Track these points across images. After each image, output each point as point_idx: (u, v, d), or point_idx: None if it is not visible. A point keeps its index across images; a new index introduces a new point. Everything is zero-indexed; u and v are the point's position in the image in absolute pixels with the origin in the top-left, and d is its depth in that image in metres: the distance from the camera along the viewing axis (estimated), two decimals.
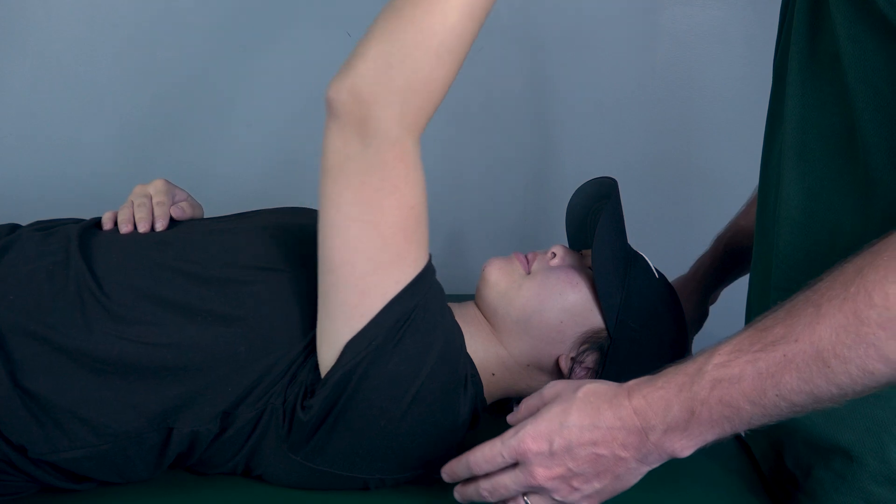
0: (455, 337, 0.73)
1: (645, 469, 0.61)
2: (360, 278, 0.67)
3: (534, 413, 0.64)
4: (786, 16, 0.74)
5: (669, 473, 0.81)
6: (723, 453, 0.86)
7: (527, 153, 1.56)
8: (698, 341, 1.04)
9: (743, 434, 0.89)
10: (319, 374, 0.70)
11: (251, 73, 1.44)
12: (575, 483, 0.61)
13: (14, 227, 0.80)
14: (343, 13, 1.44)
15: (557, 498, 0.62)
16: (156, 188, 0.85)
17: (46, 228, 0.79)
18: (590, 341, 0.80)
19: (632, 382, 0.61)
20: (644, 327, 0.81)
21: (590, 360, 0.80)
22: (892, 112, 0.58)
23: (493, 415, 0.89)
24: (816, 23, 0.65)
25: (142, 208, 0.81)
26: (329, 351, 0.69)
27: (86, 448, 0.68)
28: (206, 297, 0.72)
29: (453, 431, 0.74)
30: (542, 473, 0.60)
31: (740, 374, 0.55)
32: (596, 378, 0.80)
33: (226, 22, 1.42)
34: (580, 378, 0.80)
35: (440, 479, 0.73)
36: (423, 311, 0.69)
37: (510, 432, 0.63)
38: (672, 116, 1.54)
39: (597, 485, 0.61)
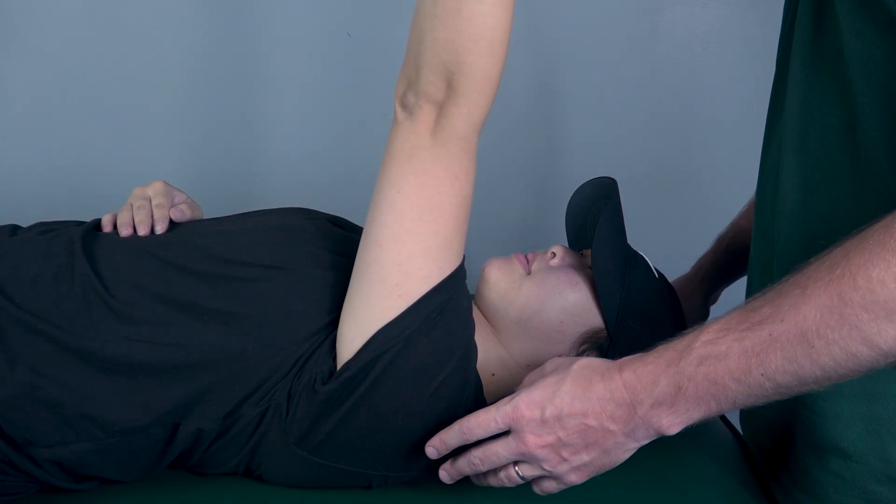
0: (474, 336, 0.75)
1: (633, 445, 0.62)
2: (407, 258, 0.68)
3: None
4: (790, 11, 0.74)
5: (668, 473, 0.81)
6: (722, 453, 0.86)
7: (527, 153, 1.56)
8: None
9: (742, 434, 0.89)
10: (335, 362, 0.70)
11: (251, 73, 1.45)
12: (564, 453, 0.62)
13: (15, 229, 0.81)
14: (343, 13, 1.44)
15: (547, 468, 0.63)
16: (155, 190, 0.85)
17: (48, 231, 0.79)
18: (590, 341, 0.80)
19: (625, 358, 0.63)
20: (644, 327, 0.81)
21: None
22: (893, 107, 0.58)
23: None
24: (820, 18, 0.65)
25: (141, 211, 0.81)
26: (357, 332, 0.69)
27: (93, 441, 0.68)
28: (211, 296, 0.72)
29: None
30: (532, 441, 0.62)
31: (726, 352, 0.55)
32: None
33: (226, 22, 1.42)
34: None
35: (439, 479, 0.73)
36: (457, 305, 0.71)
37: (505, 399, 0.64)
38: (672, 116, 1.54)
39: (585, 457, 0.62)
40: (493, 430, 0.64)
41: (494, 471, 0.67)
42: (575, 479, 0.64)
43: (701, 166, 1.57)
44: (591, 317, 0.80)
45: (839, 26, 0.61)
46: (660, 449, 0.85)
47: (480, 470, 0.67)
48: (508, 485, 0.67)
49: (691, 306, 1.03)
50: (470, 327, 0.74)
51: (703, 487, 0.80)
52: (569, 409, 0.61)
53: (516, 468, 0.65)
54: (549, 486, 0.67)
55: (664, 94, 1.53)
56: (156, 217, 0.81)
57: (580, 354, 0.80)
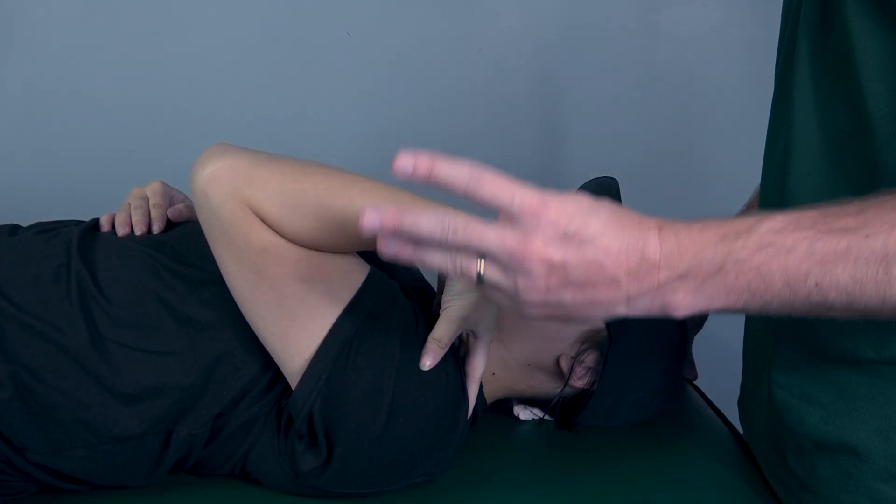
0: (417, 346, 0.70)
1: (620, 311, 0.52)
2: (275, 326, 0.67)
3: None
4: (789, 16, 0.74)
5: (670, 474, 0.81)
6: (725, 454, 0.86)
7: (527, 153, 1.56)
8: (698, 341, 1.04)
9: (742, 434, 0.89)
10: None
11: (250, 74, 1.44)
12: (553, 280, 0.51)
13: (14, 229, 0.80)
14: (343, 13, 1.44)
15: (520, 284, 0.51)
16: (153, 190, 0.85)
17: (48, 231, 0.79)
18: (590, 340, 0.80)
19: (659, 219, 0.54)
20: (644, 327, 0.81)
21: (590, 359, 0.80)
22: None
23: (494, 414, 0.89)
24: (825, 21, 0.65)
25: (138, 211, 0.81)
26: (291, 381, 0.69)
27: (86, 448, 0.68)
28: (201, 299, 0.72)
29: (450, 434, 0.73)
30: (538, 248, 0.49)
31: (791, 247, 0.49)
32: (597, 379, 0.80)
33: (225, 22, 1.42)
34: (581, 378, 0.80)
35: (441, 479, 0.73)
36: (365, 337, 0.68)
37: (528, 190, 0.50)
38: (672, 116, 1.54)
39: (567, 297, 0.51)
40: (501, 202, 0.50)
41: (443, 251, 0.53)
42: (531, 312, 0.53)
43: (701, 166, 1.56)
44: None
45: (847, 29, 0.61)
46: (661, 450, 0.85)
47: (437, 239, 0.51)
48: (449, 273, 0.53)
49: None
50: (393, 342, 0.69)
51: (705, 487, 0.80)
52: (593, 236, 0.50)
53: (481, 264, 0.52)
54: (498, 301, 0.54)
55: (664, 94, 1.53)
56: (153, 217, 0.82)
57: (580, 353, 0.80)
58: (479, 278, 0.52)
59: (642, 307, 0.52)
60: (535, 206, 0.50)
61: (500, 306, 0.55)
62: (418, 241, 0.52)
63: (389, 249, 0.53)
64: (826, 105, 0.65)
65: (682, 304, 0.51)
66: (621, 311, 0.52)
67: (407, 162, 0.51)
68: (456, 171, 0.52)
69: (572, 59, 1.50)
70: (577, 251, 0.50)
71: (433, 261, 0.53)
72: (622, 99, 1.52)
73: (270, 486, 0.74)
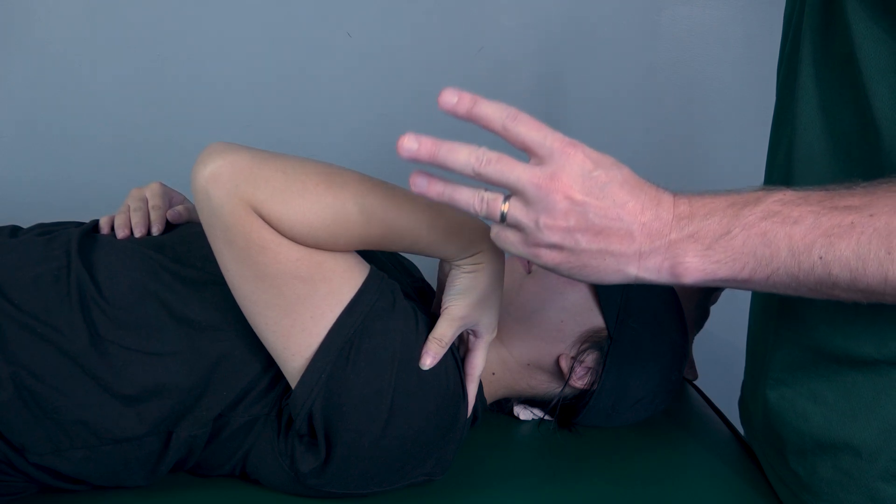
0: (417, 346, 0.70)
1: (631, 272, 0.54)
2: (275, 323, 0.67)
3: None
4: (791, 20, 0.74)
5: (670, 474, 0.81)
6: (725, 454, 0.86)
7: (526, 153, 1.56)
8: (698, 341, 1.04)
9: (743, 434, 0.89)
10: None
11: (250, 74, 1.44)
12: (571, 221, 0.53)
13: (14, 230, 0.81)
14: (343, 13, 1.44)
15: (541, 221, 0.53)
16: (152, 192, 0.85)
17: (48, 232, 0.79)
18: (590, 340, 0.80)
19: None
20: (644, 327, 0.81)
21: (590, 359, 0.80)
22: None
23: (494, 414, 0.89)
24: (828, 25, 0.65)
25: (137, 212, 0.81)
26: (290, 379, 0.69)
27: (86, 448, 0.68)
28: (202, 300, 0.72)
29: (450, 434, 0.73)
30: (563, 183, 0.53)
31: (798, 218, 0.51)
32: (597, 379, 0.80)
33: (225, 22, 1.42)
34: (581, 378, 0.81)
35: (441, 479, 0.73)
36: (366, 335, 0.67)
37: (558, 133, 0.54)
38: (673, 115, 1.54)
39: (582, 242, 0.53)
40: (534, 139, 0.53)
41: (471, 189, 0.55)
42: (546, 257, 0.55)
43: (701, 166, 1.56)
44: (591, 316, 0.80)
45: (850, 33, 0.60)
46: (661, 450, 0.85)
47: (471, 168, 0.53)
48: (475, 210, 0.55)
49: (691, 306, 1.03)
50: (393, 341, 0.68)
51: (706, 488, 0.80)
52: (614, 184, 0.53)
53: (506, 204, 0.54)
54: (514, 248, 0.56)
55: (664, 93, 1.53)
56: (152, 219, 0.82)
57: (581, 353, 0.80)
58: (503, 217, 0.54)
59: (652, 267, 0.54)
60: (565, 147, 0.53)
61: (515, 252, 0.56)
62: (448, 180, 0.55)
63: (420, 185, 0.55)
64: (831, 108, 0.65)
65: (691, 266, 0.53)
66: (632, 270, 0.54)
67: (451, 98, 0.53)
68: (495, 108, 0.54)
69: (573, 58, 1.50)
70: (599, 194, 0.53)
71: (461, 197, 0.55)
72: (623, 98, 1.52)
73: (270, 486, 0.74)
